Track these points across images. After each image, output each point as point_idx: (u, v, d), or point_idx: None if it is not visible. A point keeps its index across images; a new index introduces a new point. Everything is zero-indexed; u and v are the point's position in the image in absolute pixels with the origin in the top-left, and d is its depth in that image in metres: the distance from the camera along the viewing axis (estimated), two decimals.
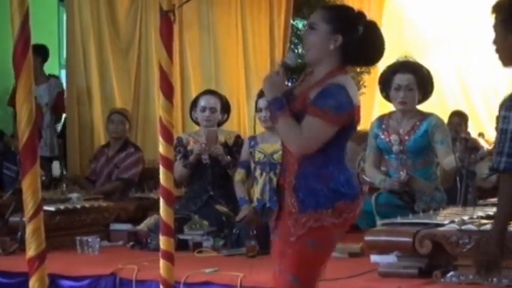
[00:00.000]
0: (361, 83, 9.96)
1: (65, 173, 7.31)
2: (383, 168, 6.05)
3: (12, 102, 9.05)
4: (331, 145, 3.73)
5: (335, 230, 3.74)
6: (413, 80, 5.73)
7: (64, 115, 9.02)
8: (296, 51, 10.57)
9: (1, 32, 9.47)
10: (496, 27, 3.50)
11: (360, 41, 3.73)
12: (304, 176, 3.72)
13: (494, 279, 4.39)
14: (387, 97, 5.88)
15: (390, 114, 5.86)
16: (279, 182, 3.85)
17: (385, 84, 5.83)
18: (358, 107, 3.71)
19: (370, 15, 3.96)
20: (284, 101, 3.71)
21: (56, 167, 6.96)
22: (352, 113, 3.69)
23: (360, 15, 3.80)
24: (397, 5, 11.71)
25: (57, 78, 9.17)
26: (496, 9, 3.51)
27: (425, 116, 5.80)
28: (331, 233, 3.75)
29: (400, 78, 5.72)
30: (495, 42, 3.51)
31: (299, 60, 3.88)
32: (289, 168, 3.76)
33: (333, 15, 3.77)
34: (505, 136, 3.37)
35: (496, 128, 3.44)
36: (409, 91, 5.72)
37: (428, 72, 5.88)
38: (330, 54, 3.71)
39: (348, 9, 3.91)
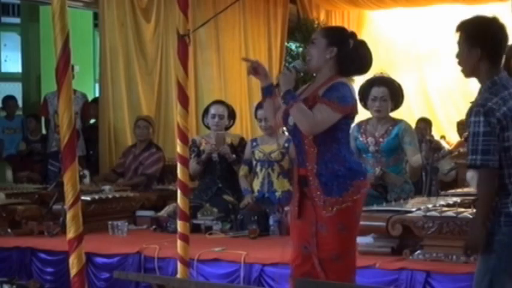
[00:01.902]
0: None
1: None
2: None
3: (42, 112, 9.07)
4: (342, 132, 3.80)
5: (357, 207, 3.77)
6: (387, 92, 5.69)
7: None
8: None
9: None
10: (460, 43, 3.36)
11: (351, 53, 3.82)
12: (324, 161, 3.74)
13: (454, 257, 4.38)
14: (365, 106, 5.86)
15: (367, 120, 5.83)
16: (300, 173, 3.83)
17: (364, 95, 5.79)
18: (356, 102, 3.86)
19: None
20: (295, 93, 3.78)
21: (86, 179, 6.86)
22: (354, 105, 3.81)
23: (351, 33, 3.93)
24: (373, 33, 11.53)
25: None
26: (461, 27, 3.40)
27: (396, 121, 5.78)
28: (355, 211, 3.78)
29: (376, 91, 5.69)
30: (458, 56, 3.37)
31: (304, 67, 3.94)
32: (309, 158, 3.76)
33: (329, 31, 3.94)
34: (478, 138, 3.23)
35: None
36: (383, 101, 5.69)
37: (399, 86, 5.85)
38: (328, 63, 3.81)
39: (341, 28, 4.06)
